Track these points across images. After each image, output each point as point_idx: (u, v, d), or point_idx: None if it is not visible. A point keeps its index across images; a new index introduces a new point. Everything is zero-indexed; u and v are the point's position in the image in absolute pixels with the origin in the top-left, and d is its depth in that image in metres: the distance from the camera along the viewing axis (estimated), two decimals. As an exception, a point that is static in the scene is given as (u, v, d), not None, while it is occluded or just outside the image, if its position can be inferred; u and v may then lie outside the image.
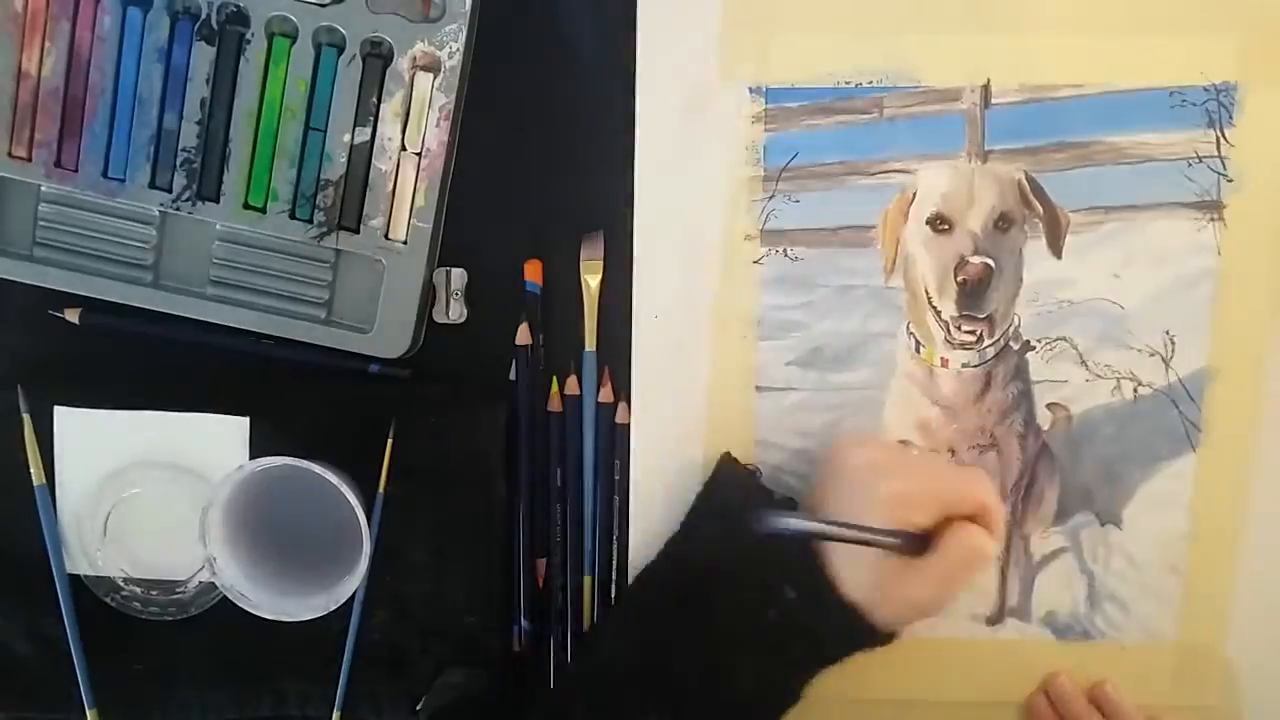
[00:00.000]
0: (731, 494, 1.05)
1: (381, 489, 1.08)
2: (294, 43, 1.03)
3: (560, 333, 1.10)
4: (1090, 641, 1.10)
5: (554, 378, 1.11)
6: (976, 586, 1.10)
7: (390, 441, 1.08)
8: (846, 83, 1.06)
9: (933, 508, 0.95)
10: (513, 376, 1.10)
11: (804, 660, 1.00)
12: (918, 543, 0.95)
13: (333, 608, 1.01)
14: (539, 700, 1.10)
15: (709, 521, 1.05)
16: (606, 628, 1.10)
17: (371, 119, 1.04)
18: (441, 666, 1.10)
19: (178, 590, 1.11)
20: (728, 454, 1.08)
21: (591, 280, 1.09)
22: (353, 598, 1.04)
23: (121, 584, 1.11)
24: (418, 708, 1.10)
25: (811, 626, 0.98)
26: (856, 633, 0.98)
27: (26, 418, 1.08)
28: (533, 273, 1.09)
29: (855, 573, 0.96)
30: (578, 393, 1.11)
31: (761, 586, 0.98)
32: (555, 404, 1.11)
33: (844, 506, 0.96)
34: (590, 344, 1.10)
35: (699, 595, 1.01)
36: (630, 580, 1.09)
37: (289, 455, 0.99)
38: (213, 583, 1.04)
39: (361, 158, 1.04)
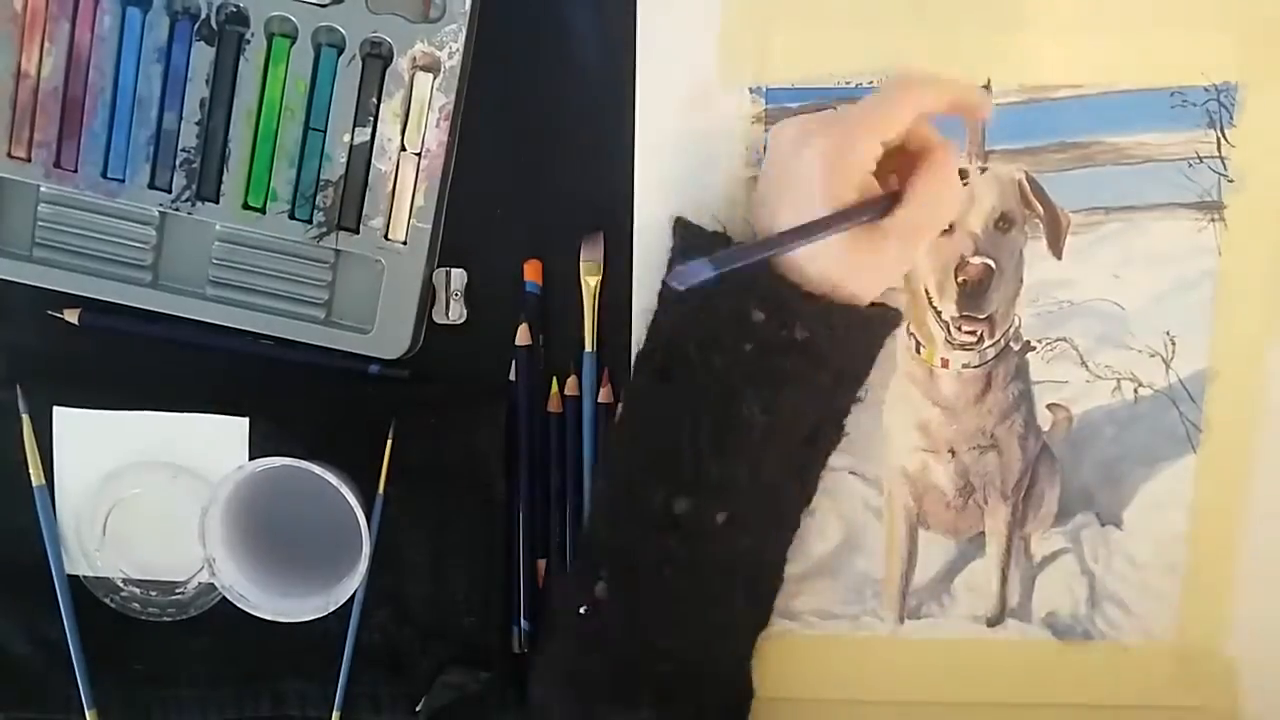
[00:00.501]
0: (692, 253, 0.98)
1: (381, 489, 1.08)
2: (294, 43, 1.03)
3: (560, 332, 1.10)
4: (1091, 642, 1.10)
5: (554, 378, 1.11)
6: (977, 588, 1.10)
7: (390, 442, 1.08)
8: (846, 82, 1.06)
9: (874, 159, 0.92)
10: (512, 377, 1.10)
11: (799, 373, 0.97)
12: (880, 205, 0.93)
13: (332, 608, 1.01)
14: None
15: (674, 293, 0.99)
16: (610, 435, 1.08)
17: (371, 119, 1.04)
18: (441, 666, 1.10)
19: (177, 591, 1.11)
20: (679, 217, 1.05)
21: (591, 281, 1.09)
22: (352, 598, 1.04)
23: (121, 584, 1.11)
24: (417, 708, 1.10)
25: (789, 336, 0.95)
26: (839, 320, 0.95)
27: (26, 418, 1.08)
28: (532, 272, 1.09)
29: (811, 262, 0.93)
30: (577, 393, 1.11)
31: (733, 325, 0.96)
32: (555, 405, 1.11)
33: (793, 202, 0.93)
34: (590, 344, 1.10)
35: (679, 362, 0.99)
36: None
37: (288, 456, 0.99)
38: (212, 583, 1.04)
39: (361, 158, 1.05)
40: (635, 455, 1.01)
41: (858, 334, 0.99)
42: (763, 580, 1.04)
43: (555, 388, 1.11)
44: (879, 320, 0.99)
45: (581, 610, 1.00)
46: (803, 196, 0.92)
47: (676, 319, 1.01)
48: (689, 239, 1.03)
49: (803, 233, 0.90)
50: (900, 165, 0.95)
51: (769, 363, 0.96)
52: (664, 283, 1.04)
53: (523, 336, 1.09)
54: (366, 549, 1.00)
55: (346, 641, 1.09)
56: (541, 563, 1.12)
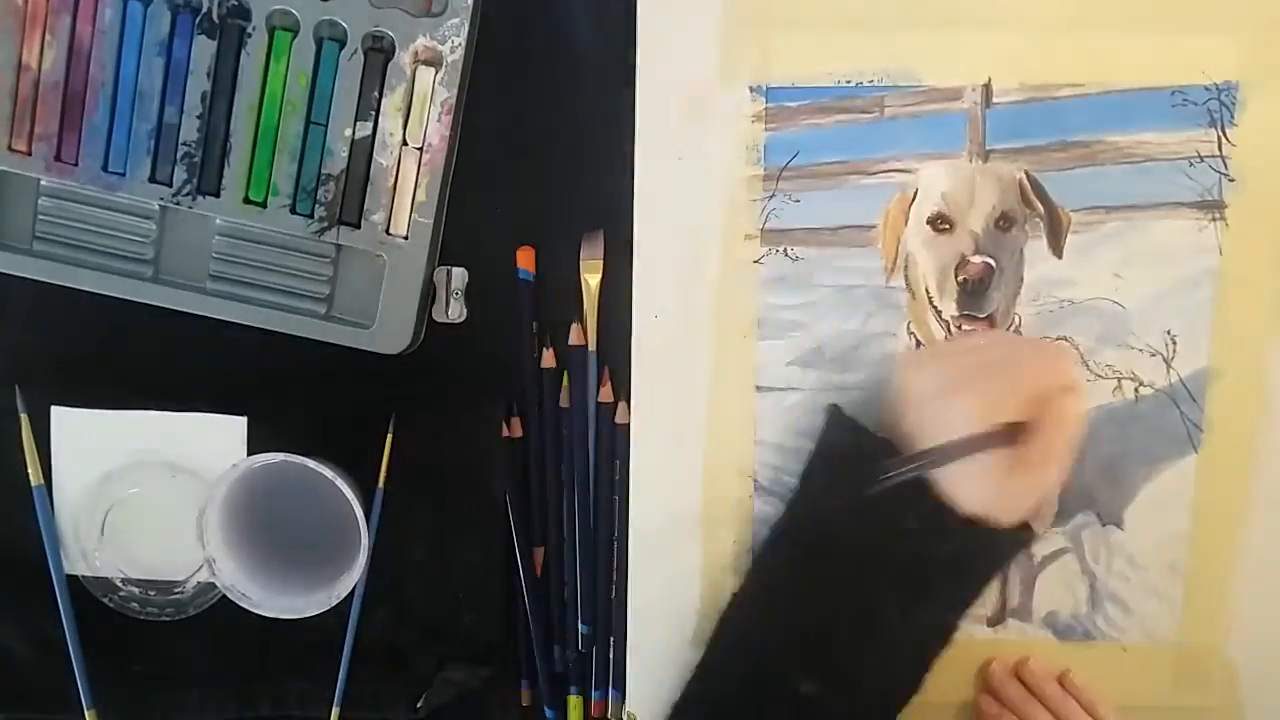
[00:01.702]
0: (841, 442, 1.05)
1: (381, 484, 1.08)
2: (295, 37, 1.03)
3: (561, 332, 1.10)
4: (1091, 642, 1.10)
5: (565, 372, 1.11)
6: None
7: (390, 437, 1.08)
8: (847, 82, 1.06)
9: (1014, 399, 0.93)
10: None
11: (946, 586, 1.00)
12: (1014, 431, 0.93)
13: (332, 604, 1.01)
14: (687, 686, 1.08)
15: (822, 473, 1.05)
16: (741, 595, 1.07)
17: (373, 113, 1.04)
18: (441, 663, 1.10)
19: (175, 590, 1.11)
20: (834, 405, 1.07)
21: (591, 279, 1.09)
22: (352, 594, 1.04)
23: (119, 584, 1.11)
24: (418, 705, 1.10)
25: (941, 551, 0.97)
26: (987, 543, 0.98)
27: (24, 417, 1.08)
28: (525, 260, 1.10)
29: (965, 485, 0.95)
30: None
31: (884, 526, 0.98)
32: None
33: (927, 430, 0.95)
34: (590, 343, 1.10)
35: (823, 547, 1.01)
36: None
37: (287, 452, 0.99)
38: (211, 583, 1.05)
39: (362, 152, 1.04)
40: (764, 628, 1.02)
41: (1001, 551, 1.01)
42: None
43: (566, 381, 1.11)
44: (1018, 541, 1.01)
45: None
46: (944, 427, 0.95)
47: (827, 505, 1.03)
48: (834, 424, 1.07)
49: (958, 448, 0.93)
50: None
51: (917, 571, 0.98)
52: (812, 464, 1.07)
53: (576, 336, 1.11)
54: (365, 545, 1.00)
55: (346, 638, 1.09)
56: (539, 551, 1.12)
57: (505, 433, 1.10)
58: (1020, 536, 1.00)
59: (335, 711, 1.10)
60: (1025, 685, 1.08)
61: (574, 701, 1.13)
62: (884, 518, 0.98)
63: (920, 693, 1.01)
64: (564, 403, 1.11)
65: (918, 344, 1.08)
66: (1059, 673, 1.09)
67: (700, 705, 1.04)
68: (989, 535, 0.96)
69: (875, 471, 0.95)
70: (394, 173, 1.04)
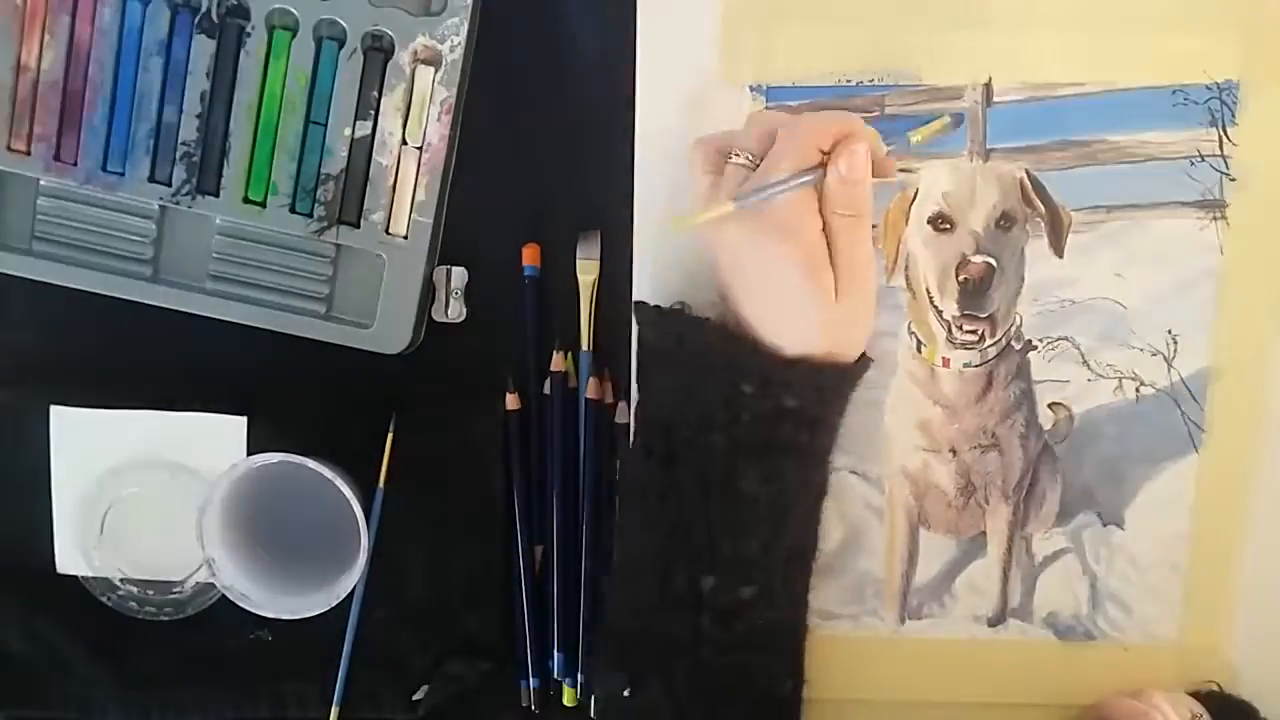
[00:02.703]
0: (660, 336, 1.02)
1: (381, 484, 1.08)
2: (294, 36, 1.03)
3: (561, 332, 1.10)
4: (1092, 642, 1.10)
5: (566, 374, 1.11)
6: (978, 588, 1.10)
7: (390, 436, 1.08)
8: (848, 81, 1.06)
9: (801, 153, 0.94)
10: (547, 391, 1.11)
11: (797, 440, 0.98)
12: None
13: (332, 604, 1.01)
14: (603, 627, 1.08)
15: (653, 372, 1.03)
16: (622, 521, 1.06)
17: (372, 113, 1.04)
18: (441, 661, 1.10)
19: (174, 590, 1.11)
20: (640, 301, 1.05)
21: (586, 279, 1.09)
22: (352, 594, 1.04)
23: (118, 584, 1.11)
24: (415, 697, 1.10)
25: (780, 405, 0.96)
26: (824, 382, 0.97)
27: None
28: (531, 256, 1.09)
29: (784, 334, 0.95)
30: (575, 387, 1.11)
31: (724, 403, 0.96)
32: (594, 391, 1.10)
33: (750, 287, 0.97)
34: (584, 343, 1.10)
35: (679, 446, 0.99)
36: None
37: (286, 453, 0.99)
38: (210, 583, 1.05)
39: (362, 152, 1.04)
40: (654, 542, 1.01)
41: (842, 389, 0.99)
42: (796, 642, 1.04)
43: (576, 378, 1.11)
44: (856, 372, 0.99)
45: (626, 693, 1.00)
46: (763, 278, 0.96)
47: (666, 402, 1.01)
48: (646, 319, 1.04)
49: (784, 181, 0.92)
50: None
51: (764, 435, 0.97)
52: (639, 367, 1.05)
53: (557, 363, 1.11)
54: (365, 545, 1.00)
55: (346, 638, 1.09)
56: (538, 549, 1.12)
57: (505, 433, 1.10)
58: (861, 366, 0.99)
59: (335, 711, 1.09)
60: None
61: (569, 693, 1.13)
62: (717, 395, 0.97)
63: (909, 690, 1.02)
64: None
65: (918, 344, 1.08)
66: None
67: (621, 635, 1.03)
68: (823, 374, 0.96)
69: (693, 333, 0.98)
70: (393, 172, 1.04)
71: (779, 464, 0.98)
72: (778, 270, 0.94)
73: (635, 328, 1.05)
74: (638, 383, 1.04)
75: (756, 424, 0.96)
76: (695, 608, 0.98)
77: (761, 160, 0.95)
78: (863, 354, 0.99)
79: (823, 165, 0.94)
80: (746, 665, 1.00)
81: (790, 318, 0.95)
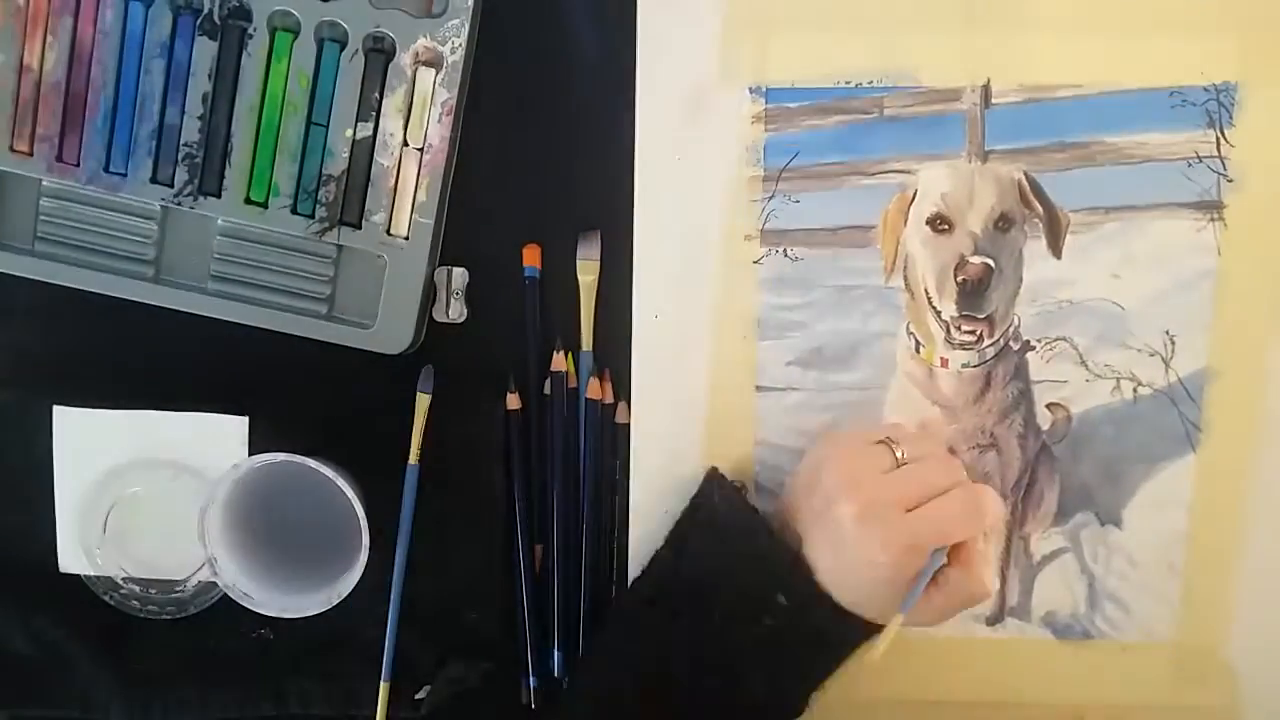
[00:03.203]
0: (719, 507, 1.05)
1: (414, 459, 1.09)
2: (296, 37, 1.03)
3: (561, 332, 1.11)
4: (1090, 641, 1.10)
5: (567, 374, 1.11)
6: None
7: (424, 419, 1.09)
8: (847, 83, 1.07)
9: (925, 542, 0.95)
10: (547, 391, 1.11)
11: (806, 664, 1.01)
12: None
13: (333, 604, 1.01)
14: None
15: (698, 535, 1.05)
16: (600, 646, 1.09)
17: (374, 114, 1.04)
18: (443, 660, 1.10)
19: (176, 589, 1.11)
20: (714, 469, 1.08)
21: (586, 279, 1.09)
22: (392, 563, 1.08)
23: (120, 583, 1.11)
24: (418, 696, 1.10)
25: (807, 631, 0.98)
26: (853, 631, 0.98)
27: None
28: (531, 257, 1.10)
29: (845, 589, 0.96)
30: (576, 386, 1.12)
31: (754, 596, 0.98)
32: (595, 392, 1.11)
33: (832, 556, 0.97)
34: (585, 343, 1.10)
35: (692, 608, 1.01)
36: (622, 591, 1.10)
37: (288, 452, 0.99)
38: (212, 582, 1.05)
39: (363, 153, 1.05)
40: (631, 681, 1.02)
41: (862, 637, 0.99)
42: None
43: (576, 378, 1.12)
44: (874, 632, 0.99)
45: None
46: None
47: (696, 566, 1.03)
48: (712, 486, 1.07)
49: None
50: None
51: (783, 646, 0.99)
52: (683, 522, 1.06)
53: (559, 363, 1.11)
54: (365, 544, 1.00)
55: (390, 613, 1.10)
56: (538, 548, 1.12)
57: (505, 433, 1.10)
58: (863, 627, 0.99)
59: (384, 687, 1.10)
60: None
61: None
62: (752, 588, 0.98)
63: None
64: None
65: (917, 345, 1.08)
66: None
67: None
68: (852, 624, 0.97)
69: (750, 531, 1.01)
70: (395, 173, 1.05)
71: (781, 673, 1.00)
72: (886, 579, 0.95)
73: (699, 488, 1.07)
74: (674, 532, 1.06)
75: (780, 632, 0.98)
76: None
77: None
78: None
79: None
80: None
81: (856, 589, 0.97)
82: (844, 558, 0.95)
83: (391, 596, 1.09)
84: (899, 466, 0.97)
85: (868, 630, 0.98)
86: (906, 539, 0.93)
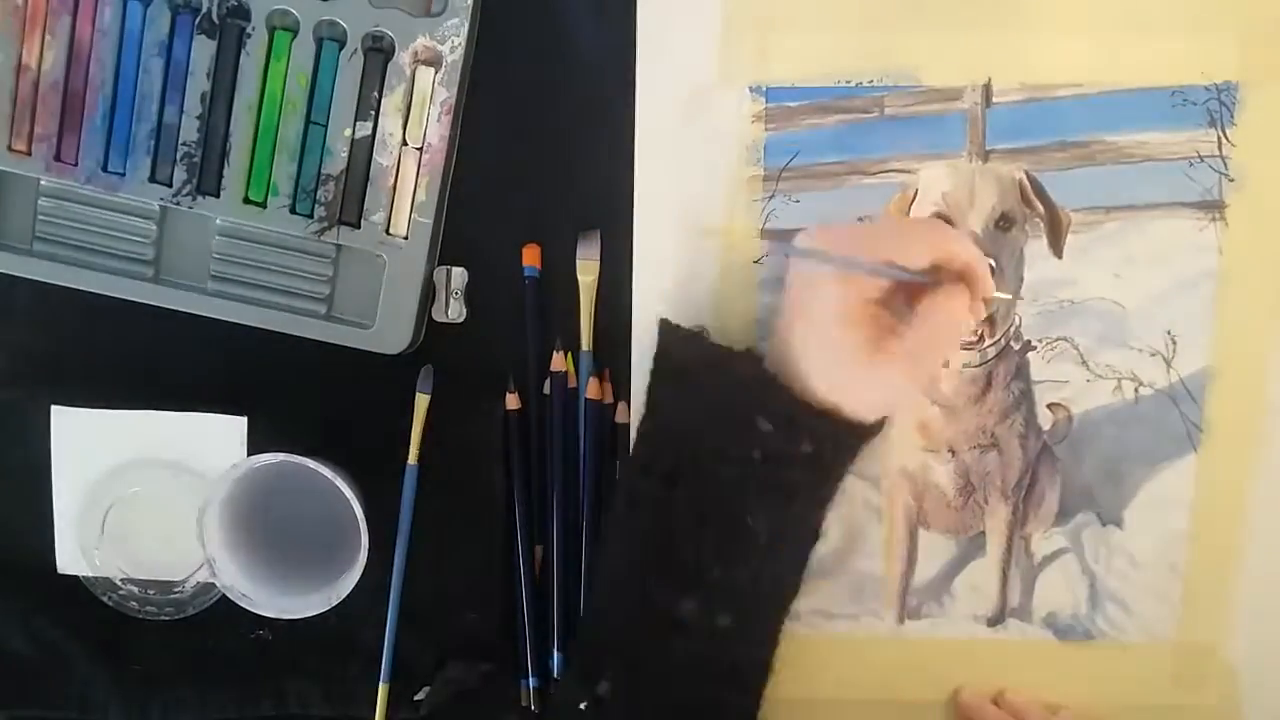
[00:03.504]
0: (674, 354, 1.03)
1: (414, 459, 1.10)
2: (295, 37, 1.03)
3: (561, 332, 1.10)
4: (1091, 642, 1.10)
5: (567, 374, 1.11)
6: (977, 588, 1.10)
7: (424, 416, 1.09)
8: (847, 82, 1.06)
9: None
10: (546, 391, 1.11)
11: (806, 486, 0.99)
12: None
13: (333, 604, 1.01)
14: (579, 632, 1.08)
15: (667, 391, 1.03)
16: (607, 529, 1.07)
17: (373, 113, 1.04)
18: (442, 661, 1.10)
19: (175, 590, 1.11)
20: (664, 319, 1.05)
21: (586, 279, 1.09)
22: (393, 568, 1.08)
23: (119, 583, 1.11)
24: (416, 697, 1.10)
25: (796, 449, 0.96)
26: (843, 435, 0.97)
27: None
28: (531, 257, 1.09)
29: (825, 378, 0.94)
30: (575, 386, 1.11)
31: (736, 431, 0.97)
32: (595, 392, 1.11)
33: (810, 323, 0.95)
34: (584, 343, 1.10)
35: (685, 467, 0.99)
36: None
37: (287, 453, 0.99)
38: (210, 583, 1.05)
39: (362, 152, 1.05)
40: (640, 556, 1.01)
41: (856, 446, 0.99)
42: (759, 677, 1.03)
43: (576, 378, 1.12)
44: (873, 432, 0.99)
45: (582, 706, 0.99)
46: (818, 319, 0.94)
47: (678, 422, 1.01)
48: (670, 338, 1.04)
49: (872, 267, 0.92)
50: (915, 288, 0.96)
51: (776, 475, 0.97)
52: (653, 384, 1.05)
53: (557, 363, 1.11)
54: (364, 544, 1.00)
55: (390, 607, 1.10)
56: (538, 549, 1.12)
57: (505, 433, 1.10)
58: (878, 427, 0.98)
59: (383, 688, 1.10)
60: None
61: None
62: (734, 426, 0.97)
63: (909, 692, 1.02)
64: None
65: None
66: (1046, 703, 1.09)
67: (591, 646, 1.03)
68: (841, 428, 0.96)
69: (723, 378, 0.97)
70: (394, 173, 1.04)
71: (783, 504, 0.98)
72: (843, 325, 0.93)
73: (657, 344, 1.05)
74: (648, 397, 1.04)
75: (770, 463, 0.96)
76: (671, 629, 0.98)
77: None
78: (882, 420, 0.99)
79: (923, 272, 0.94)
80: (713, 697, 1.00)
81: (837, 369, 0.94)
82: (820, 324, 0.94)
83: (391, 596, 1.09)
84: None
85: (860, 432, 0.97)
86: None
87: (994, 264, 1.06)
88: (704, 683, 0.99)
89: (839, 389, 0.94)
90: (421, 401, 1.09)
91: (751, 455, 0.96)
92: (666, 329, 1.04)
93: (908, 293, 0.95)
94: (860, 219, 1.06)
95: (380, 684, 1.10)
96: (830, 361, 0.94)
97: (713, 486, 0.98)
